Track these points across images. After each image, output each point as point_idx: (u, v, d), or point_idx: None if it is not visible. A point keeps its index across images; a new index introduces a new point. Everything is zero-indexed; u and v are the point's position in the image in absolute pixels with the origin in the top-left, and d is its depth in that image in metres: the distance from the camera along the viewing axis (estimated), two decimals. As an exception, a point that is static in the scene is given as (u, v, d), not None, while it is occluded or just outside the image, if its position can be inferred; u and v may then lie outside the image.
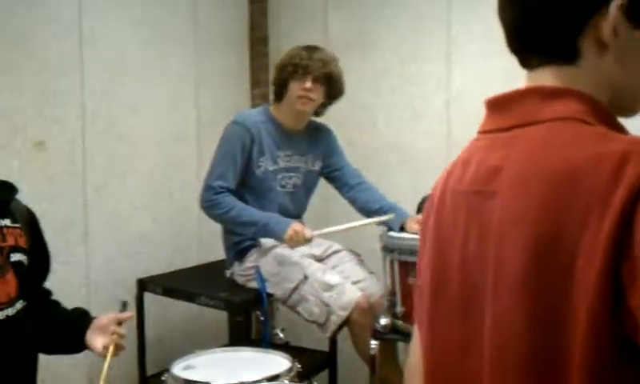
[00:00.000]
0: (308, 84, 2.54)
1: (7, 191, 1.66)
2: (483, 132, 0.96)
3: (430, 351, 0.97)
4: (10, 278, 1.57)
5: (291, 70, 2.55)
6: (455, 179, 0.96)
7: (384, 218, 2.55)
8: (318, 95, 2.59)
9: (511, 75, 3.11)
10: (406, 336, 2.36)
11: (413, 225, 2.48)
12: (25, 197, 1.72)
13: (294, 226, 2.51)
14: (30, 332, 1.65)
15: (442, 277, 0.94)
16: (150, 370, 2.78)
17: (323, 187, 2.89)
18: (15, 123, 2.53)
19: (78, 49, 2.73)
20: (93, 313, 2.76)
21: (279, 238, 2.51)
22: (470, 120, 3.16)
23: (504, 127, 0.91)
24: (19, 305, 1.59)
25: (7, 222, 1.61)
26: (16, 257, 1.60)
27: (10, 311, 1.56)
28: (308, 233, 2.51)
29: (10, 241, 1.60)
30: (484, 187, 0.88)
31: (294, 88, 2.56)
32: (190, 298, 2.68)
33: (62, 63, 2.67)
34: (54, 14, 2.64)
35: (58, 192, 2.67)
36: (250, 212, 2.54)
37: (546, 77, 0.89)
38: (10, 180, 1.66)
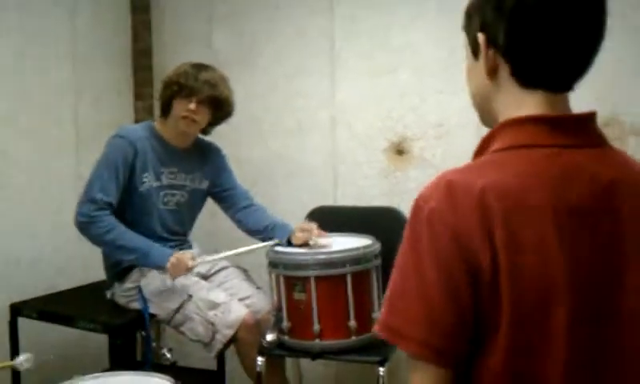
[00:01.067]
0: (192, 106, 2.47)
1: None
2: (563, 146, 0.97)
3: None
4: None
5: (176, 89, 2.47)
6: (552, 195, 0.92)
7: (269, 243, 2.52)
8: (202, 117, 2.53)
9: (398, 92, 3.22)
10: (293, 351, 2.37)
11: (298, 235, 2.48)
12: None
13: (177, 255, 2.42)
14: None
15: (542, 300, 0.90)
16: (26, 400, 2.63)
17: (211, 203, 2.84)
18: None
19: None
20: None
21: (161, 268, 2.43)
22: (354, 136, 3.27)
23: (591, 144, 0.98)
24: None
25: None
26: None
27: None
28: (190, 262, 2.41)
29: None
30: (607, 203, 0.94)
31: (178, 108, 2.49)
32: (68, 321, 2.56)
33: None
34: None
35: None
36: (130, 237, 2.42)
37: (566, 101, 1.03)
38: None
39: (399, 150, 2.91)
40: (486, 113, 1.10)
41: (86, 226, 2.42)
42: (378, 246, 2.41)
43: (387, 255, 2.45)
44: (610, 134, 1.05)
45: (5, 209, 2.80)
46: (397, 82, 2.90)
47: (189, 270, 2.43)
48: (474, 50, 1.07)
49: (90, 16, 3.21)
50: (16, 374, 2.62)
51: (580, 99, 1.08)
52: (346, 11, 2.99)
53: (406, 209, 2.72)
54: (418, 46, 2.87)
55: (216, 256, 2.55)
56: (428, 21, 2.84)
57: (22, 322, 2.64)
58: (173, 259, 2.40)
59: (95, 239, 2.45)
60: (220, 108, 2.57)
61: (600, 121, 1.02)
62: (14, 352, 2.61)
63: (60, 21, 3.06)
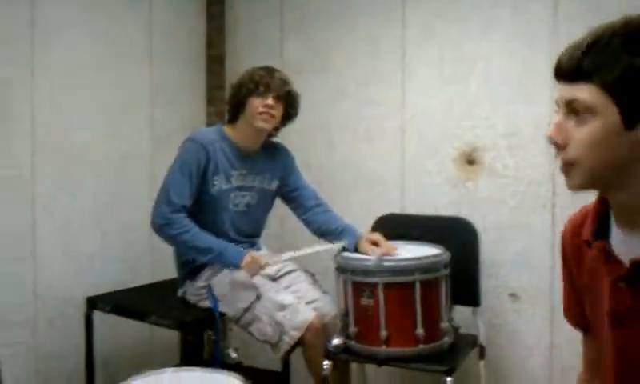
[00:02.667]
0: (270, 100, 2.55)
1: None
2: None
3: None
4: None
5: (252, 87, 2.55)
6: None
7: (337, 245, 2.55)
8: (278, 112, 2.61)
9: (468, 101, 3.20)
10: (359, 356, 2.38)
11: (364, 244, 2.50)
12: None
13: (250, 253, 2.50)
14: None
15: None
16: (98, 391, 2.72)
17: (279, 207, 2.88)
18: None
19: (30, 60, 2.68)
20: (39, 330, 2.72)
21: (235, 267, 2.50)
22: (424, 144, 3.26)
23: None
24: None
25: None
26: None
27: None
28: (263, 260, 2.50)
29: None
30: None
31: (255, 104, 2.55)
32: (140, 316, 2.64)
33: (12, 76, 2.62)
34: (4, 26, 2.59)
35: (6, 208, 2.61)
36: (205, 238, 2.51)
37: None
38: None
39: (469, 160, 2.89)
40: (607, 180, 1.11)
41: (162, 228, 2.51)
42: (447, 256, 2.40)
43: (456, 265, 2.45)
44: None
45: (81, 207, 2.91)
46: (467, 92, 2.89)
47: (263, 268, 2.49)
48: (630, 119, 1.05)
49: (166, 22, 3.31)
50: (89, 366, 2.72)
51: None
52: (418, 20, 2.99)
53: (475, 219, 2.73)
54: (490, 56, 2.85)
55: (288, 255, 2.58)
56: (501, 31, 2.82)
57: (97, 315, 2.73)
58: (247, 258, 2.47)
59: (171, 240, 2.56)
60: (292, 105, 2.65)
61: None
62: (89, 343, 2.71)
63: (137, 26, 3.17)
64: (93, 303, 2.72)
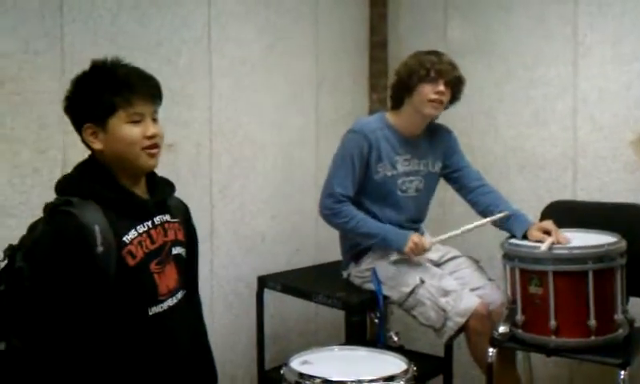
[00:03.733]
0: (441, 87, 2.53)
1: (168, 188, 1.78)
2: None
3: None
4: (170, 270, 1.70)
5: (423, 73, 2.53)
6: None
7: (498, 216, 2.50)
8: (447, 99, 2.59)
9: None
10: (527, 345, 2.32)
11: (535, 233, 2.41)
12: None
13: (413, 237, 2.52)
14: (190, 319, 1.81)
15: None
16: (268, 365, 2.88)
17: (440, 191, 2.87)
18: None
19: (207, 54, 2.87)
20: (215, 307, 2.92)
21: (400, 250, 2.53)
22: (597, 127, 3.09)
23: None
24: (180, 295, 1.73)
25: (168, 217, 1.73)
26: (176, 250, 1.73)
27: (171, 301, 1.68)
28: (427, 242, 2.52)
29: (171, 235, 1.72)
30: None
31: (426, 91, 2.54)
32: (307, 296, 2.75)
33: (192, 68, 2.82)
34: (186, 22, 2.79)
35: (187, 192, 2.79)
36: (369, 224, 2.58)
37: None
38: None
39: (649, 144, 2.70)
40: None
41: (328, 217, 2.63)
42: (623, 244, 2.27)
43: (633, 255, 2.30)
44: None
45: (253, 191, 3.08)
46: (647, 70, 2.69)
47: (427, 250, 2.51)
48: None
49: (331, 10, 3.39)
50: (260, 341, 2.88)
51: None
52: (592, -5, 2.83)
53: (655, 206, 2.54)
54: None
55: (450, 233, 2.56)
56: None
57: (267, 294, 2.89)
58: (411, 242, 2.50)
59: (338, 228, 2.68)
60: (459, 89, 2.62)
61: None
62: (260, 320, 2.87)
63: (304, 17, 3.28)
64: (263, 282, 2.88)
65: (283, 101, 3.20)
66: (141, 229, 1.62)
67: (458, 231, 2.55)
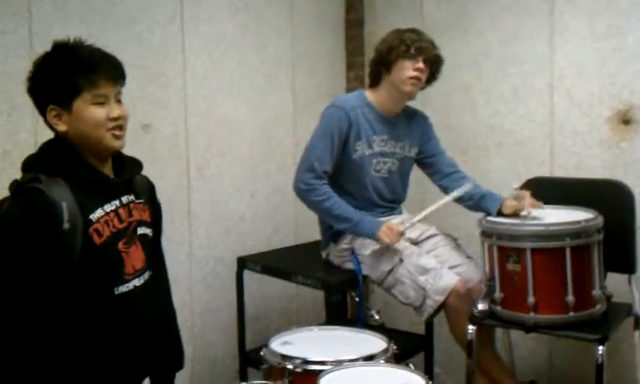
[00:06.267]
0: (421, 64, 2.52)
1: (135, 168, 1.78)
2: None
3: None
4: (136, 250, 1.70)
5: (404, 49, 2.51)
6: None
7: (463, 189, 2.51)
8: (425, 77, 2.58)
9: (624, 56, 3.01)
10: (505, 322, 2.34)
11: (508, 203, 2.42)
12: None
13: (385, 224, 2.52)
14: (157, 299, 1.82)
15: None
16: (249, 345, 2.87)
17: (418, 171, 2.86)
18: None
19: (181, 33, 2.82)
20: (194, 288, 2.90)
21: (373, 237, 2.52)
22: (574, 103, 3.10)
23: None
24: (146, 275, 1.74)
25: (132, 197, 1.73)
26: (142, 230, 1.74)
27: (137, 282, 1.70)
28: (401, 227, 2.51)
29: (137, 215, 1.73)
30: None
31: (404, 68, 2.52)
32: (287, 276, 2.74)
33: (165, 47, 2.77)
34: (157, 0, 2.73)
35: (164, 172, 2.78)
36: (344, 207, 2.56)
37: None
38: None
39: (625, 120, 2.71)
40: None
41: (304, 193, 2.59)
42: (600, 220, 2.28)
43: (610, 231, 2.32)
44: None
45: (230, 171, 3.05)
46: (624, 46, 2.69)
47: (401, 234, 2.50)
48: None
49: (307, -11, 3.35)
50: (241, 322, 2.87)
51: None
52: (569, -30, 2.82)
53: (631, 182, 2.56)
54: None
55: (422, 214, 2.55)
56: (663, -24, 2.60)
57: (247, 274, 2.87)
58: (384, 228, 2.49)
59: (312, 205, 2.63)
60: (438, 68, 2.61)
61: None
62: (240, 300, 2.86)
63: (279, -5, 3.24)
64: (243, 263, 2.86)
65: (259, 80, 3.16)
66: (108, 208, 1.64)
67: (427, 211, 2.55)
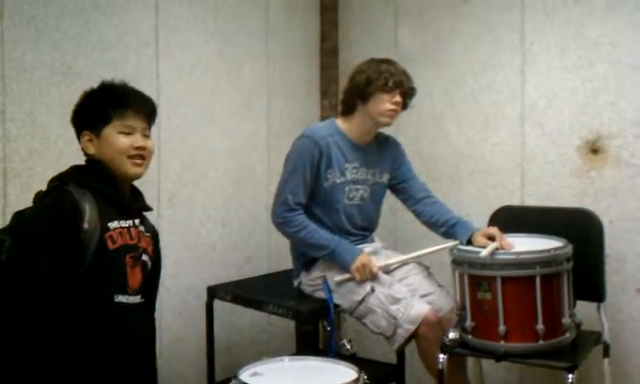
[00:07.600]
0: (398, 98, 2.55)
1: (148, 205, 2.01)
2: None
3: None
4: (138, 272, 1.88)
5: (382, 83, 2.53)
6: None
7: (450, 245, 2.50)
8: (400, 108, 2.60)
9: (593, 87, 3.06)
10: (476, 351, 2.33)
11: (479, 238, 2.43)
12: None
13: (361, 258, 2.51)
14: (146, 326, 1.99)
15: None
16: (219, 376, 2.82)
17: (392, 198, 2.87)
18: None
19: (155, 60, 2.81)
20: (163, 317, 2.86)
21: (346, 268, 2.52)
22: (545, 133, 3.14)
23: None
24: (140, 298, 1.91)
25: (142, 228, 1.94)
26: (145, 258, 1.93)
27: (133, 299, 1.86)
28: (375, 267, 2.51)
29: (144, 243, 1.92)
30: None
31: (383, 101, 2.54)
32: (258, 305, 2.71)
33: (139, 74, 2.75)
34: (132, 27, 2.73)
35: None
36: (319, 235, 2.56)
37: None
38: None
39: (594, 149, 2.74)
40: None
41: (280, 226, 2.62)
42: (570, 249, 2.30)
43: (579, 259, 2.33)
44: None
45: (202, 199, 3.02)
46: (592, 77, 2.74)
47: (373, 275, 2.50)
48: None
49: (281, 17, 3.37)
50: (210, 352, 2.82)
51: None
52: (538, 4, 2.87)
53: (600, 210, 2.59)
54: (616, 38, 2.69)
55: (399, 258, 2.61)
56: (627, 11, 2.66)
57: (217, 304, 2.83)
58: (358, 263, 2.49)
59: (289, 237, 2.67)
60: (410, 99, 2.64)
61: None
62: (210, 330, 2.82)
63: (254, 23, 3.24)
64: (213, 292, 2.82)
65: (233, 107, 3.16)
66: (124, 223, 1.84)
67: (409, 256, 2.61)
